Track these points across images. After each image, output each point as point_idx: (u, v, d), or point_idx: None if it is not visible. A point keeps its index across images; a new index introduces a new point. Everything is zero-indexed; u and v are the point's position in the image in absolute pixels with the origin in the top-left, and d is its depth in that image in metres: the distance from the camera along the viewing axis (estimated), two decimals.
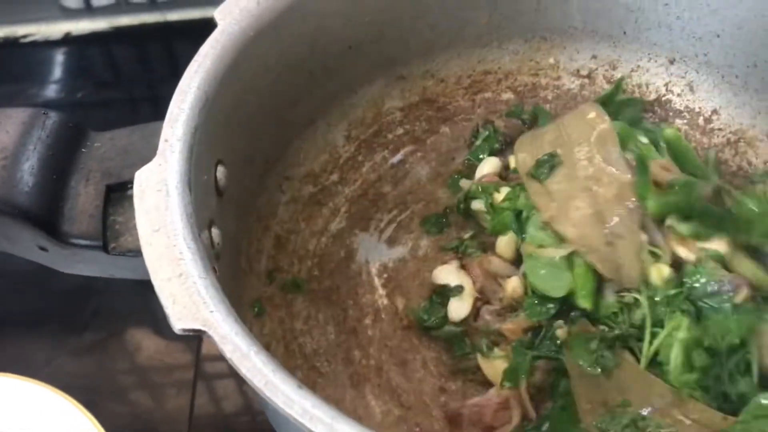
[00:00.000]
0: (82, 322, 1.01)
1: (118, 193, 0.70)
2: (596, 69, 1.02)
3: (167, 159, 0.66)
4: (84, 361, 0.98)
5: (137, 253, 0.63)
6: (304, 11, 0.82)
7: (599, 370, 0.71)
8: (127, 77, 1.36)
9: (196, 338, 0.97)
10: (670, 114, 0.99)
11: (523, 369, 0.74)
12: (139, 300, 1.04)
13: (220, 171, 0.75)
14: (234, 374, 0.94)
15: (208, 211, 0.71)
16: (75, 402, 0.79)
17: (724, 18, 0.90)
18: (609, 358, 0.72)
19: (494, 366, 0.77)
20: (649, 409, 0.68)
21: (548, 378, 0.76)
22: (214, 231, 0.71)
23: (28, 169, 0.68)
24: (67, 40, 1.35)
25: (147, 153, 0.67)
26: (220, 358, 0.95)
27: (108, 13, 1.34)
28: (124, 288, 1.05)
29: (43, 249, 0.69)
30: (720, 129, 0.97)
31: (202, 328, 0.55)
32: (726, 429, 0.67)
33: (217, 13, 0.78)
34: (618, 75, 1.01)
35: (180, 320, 0.56)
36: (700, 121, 0.98)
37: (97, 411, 0.79)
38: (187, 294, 0.57)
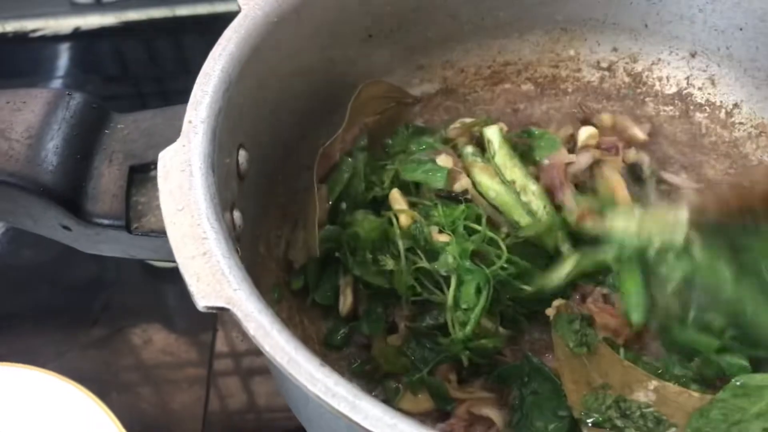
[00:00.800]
0: (92, 316, 1.02)
1: (141, 174, 0.70)
2: (617, 62, 1.02)
3: (191, 140, 0.66)
4: (94, 355, 0.98)
5: (159, 233, 0.64)
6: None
7: (584, 349, 0.73)
8: (135, 72, 1.37)
9: (207, 333, 0.98)
10: (691, 108, 0.99)
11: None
12: (150, 294, 1.05)
13: (242, 155, 0.75)
14: (240, 372, 0.95)
15: (230, 193, 0.71)
16: (88, 392, 0.79)
17: (747, 10, 0.89)
18: (592, 336, 0.74)
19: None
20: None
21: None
22: (236, 214, 0.71)
23: (52, 149, 0.68)
24: (76, 34, 1.36)
25: (170, 135, 0.67)
26: (227, 355, 0.97)
27: (117, 8, 1.35)
28: (134, 282, 1.06)
29: (66, 228, 0.69)
30: (741, 123, 0.97)
31: (226, 306, 0.55)
32: (705, 407, 0.68)
33: None
34: (639, 68, 1.01)
35: (204, 298, 0.56)
36: (722, 114, 0.98)
37: (108, 404, 0.80)
38: (211, 272, 0.57)
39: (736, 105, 0.97)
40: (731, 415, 0.67)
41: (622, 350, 0.76)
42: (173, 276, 0.76)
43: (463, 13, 0.96)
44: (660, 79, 1.00)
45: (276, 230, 0.87)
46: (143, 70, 1.37)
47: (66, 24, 1.35)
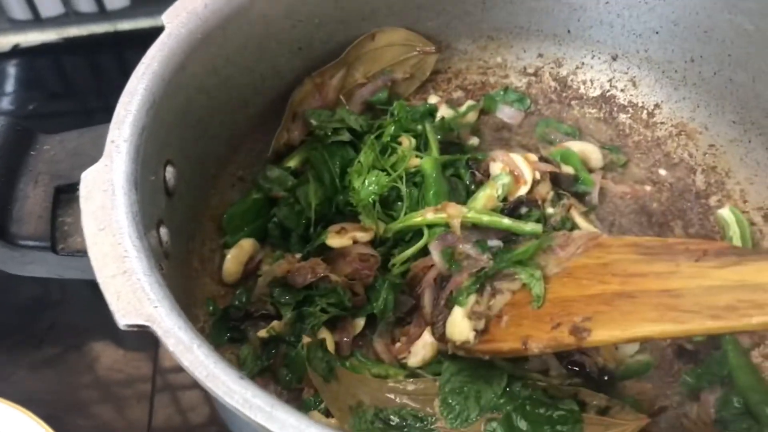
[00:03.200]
0: (38, 337, 1.01)
1: (67, 194, 0.71)
2: (542, 67, 1.05)
3: (113, 159, 0.67)
4: (40, 376, 0.97)
5: (85, 253, 0.64)
6: (251, 14, 0.84)
7: (332, 375, 0.77)
8: (79, 88, 1.35)
9: (154, 349, 0.98)
10: (615, 109, 1.02)
11: None
12: (96, 312, 1.03)
13: (170, 171, 0.76)
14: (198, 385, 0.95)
15: (156, 210, 0.72)
16: (34, 416, 0.79)
17: (661, 15, 0.93)
18: (333, 361, 0.78)
19: None
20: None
21: None
22: (163, 230, 0.72)
23: None
24: (17, 52, 1.34)
25: (96, 154, 0.68)
26: (171, 371, 0.97)
27: (57, 24, 1.33)
28: (80, 300, 1.05)
29: None
30: (662, 122, 1.00)
31: (146, 323, 0.56)
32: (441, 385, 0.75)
33: (165, 17, 0.79)
34: (564, 72, 1.04)
35: (124, 316, 0.57)
36: (644, 115, 1.01)
37: (58, 424, 0.80)
38: (132, 290, 0.58)
39: (657, 105, 1.00)
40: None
41: (347, 363, 0.80)
42: None
43: (389, 23, 0.97)
44: (584, 82, 1.04)
45: (210, 244, 0.88)
46: (87, 86, 1.36)
47: (6, 41, 1.34)
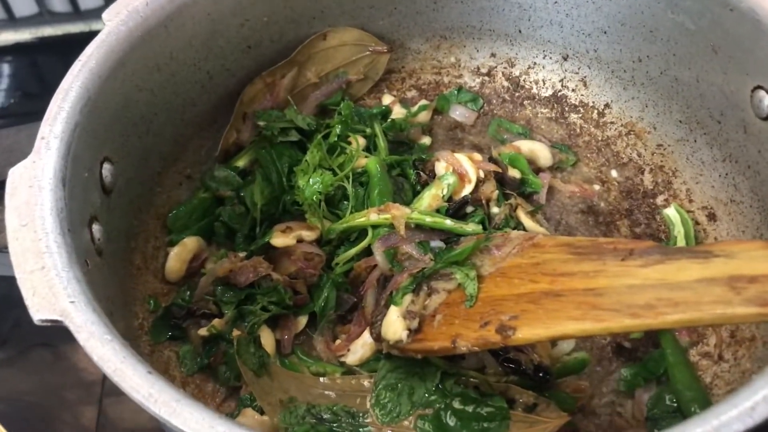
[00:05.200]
0: (1, 336, 1.01)
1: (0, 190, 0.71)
2: (496, 67, 1.05)
3: (42, 156, 0.67)
4: (4, 375, 0.97)
5: None
6: (195, 12, 0.84)
7: (264, 370, 0.77)
8: (53, 87, 1.35)
9: None
10: (566, 109, 1.02)
11: None
12: None
13: (107, 168, 0.76)
14: None
15: (89, 207, 0.72)
16: None
17: (608, 15, 0.93)
18: (265, 356, 0.78)
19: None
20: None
21: None
22: (96, 227, 0.72)
23: None
24: None
25: (31, 151, 0.68)
26: None
27: (31, 23, 1.33)
28: None
29: None
30: (612, 122, 1.01)
31: (59, 318, 0.57)
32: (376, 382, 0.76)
33: (105, 14, 0.79)
34: (516, 72, 1.05)
35: (38, 311, 0.57)
36: (594, 114, 1.01)
37: (20, 425, 0.79)
38: (48, 286, 0.58)
39: (607, 105, 1.01)
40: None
41: (287, 360, 0.81)
42: None
43: (341, 22, 0.97)
44: (536, 82, 1.04)
45: (155, 241, 0.88)
46: None
47: None
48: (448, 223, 0.85)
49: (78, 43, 1.34)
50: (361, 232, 0.87)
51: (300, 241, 0.87)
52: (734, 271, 0.59)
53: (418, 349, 0.73)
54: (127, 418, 0.93)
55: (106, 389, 0.95)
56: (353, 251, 0.86)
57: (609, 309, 0.63)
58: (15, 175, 0.66)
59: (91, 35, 1.32)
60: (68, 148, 0.69)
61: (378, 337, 0.77)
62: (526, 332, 0.66)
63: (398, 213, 0.85)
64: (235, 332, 0.79)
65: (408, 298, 0.77)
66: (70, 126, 0.70)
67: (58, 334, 0.99)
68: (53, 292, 0.58)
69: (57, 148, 0.68)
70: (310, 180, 0.88)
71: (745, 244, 0.61)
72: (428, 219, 0.85)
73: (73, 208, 0.66)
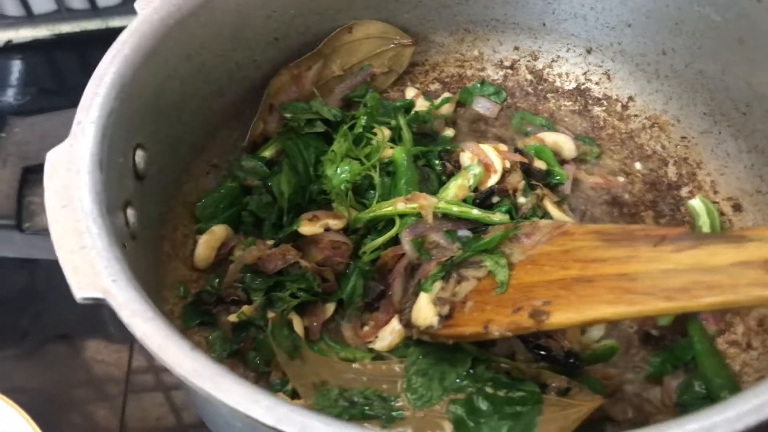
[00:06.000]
0: (21, 329, 1.01)
1: (35, 175, 0.72)
2: (519, 60, 1.06)
3: (79, 140, 0.68)
4: (23, 368, 0.98)
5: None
6: (225, 3, 0.85)
7: (297, 353, 0.77)
8: (70, 84, 1.35)
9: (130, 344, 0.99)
10: (590, 102, 1.03)
11: None
12: (81, 305, 1.04)
13: (140, 155, 0.77)
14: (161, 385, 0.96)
15: (124, 192, 0.73)
16: (16, 406, 0.80)
17: (633, 8, 0.93)
18: (298, 340, 0.79)
19: None
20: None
21: None
22: (130, 212, 0.72)
23: None
24: (9, 48, 1.35)
25: (65, 137, 0.69)
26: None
27: (49, 20, 1.34)
28: (65, 293, 1.06)
29: None
30: (636, 115, 1.01)
31: (102, 296, 0.57)
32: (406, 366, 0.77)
33: (138, 3, 0.80)
34: (540, 65, 1.05)
35: (81, 289, 0.58)
36: (618, 107, 1.02)
37: (41, 416, 0.80)
38: (89, 265, 0.59)
39: (630, 98, 1.01)
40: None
41: (315, 347, 0.82)
42: None
43: (366, 15, 0.98)
44: (560, 75, 1.04)
45: (183, 229, 0.88)
46: (79, 82, 1.36)
47: None
48: (475, 212, 0.85)
49: (95, 40, 1.36)
50: (388, 221, 0.88)
51: (327, 230, 0.87)
52: None
53: (450, 335, 0.74)
54: (148, 417, 0.93)
55: (131, 385, 0.95)
56: (381, 240, 0.86)
57: (643, 293, 0.63)
58: (53, 158, 0.67)
59: (109, 32, 1.35)
60: (104, 134, 0.69)
61: (408, 324, 0.78)
62: (559, 317, 0.67)
63: (425, 202, 0.85)
64: (270, 314, 0.79)
65: (438, 285, 0.77)
66: (105, 112, 0.71)
67: (77, 328, 1.02)
68: (94, 271, 0.59)
69: (93, 133, 0.69)
70: (338, 169, 0.88)
71: None
72: (455, 208, 0.86)
73: (109, 192, 0.67)
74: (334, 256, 0.86)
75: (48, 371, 0.98)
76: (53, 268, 0.69)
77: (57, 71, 1.40)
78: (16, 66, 1.34)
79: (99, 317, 1.06)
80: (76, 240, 0.61)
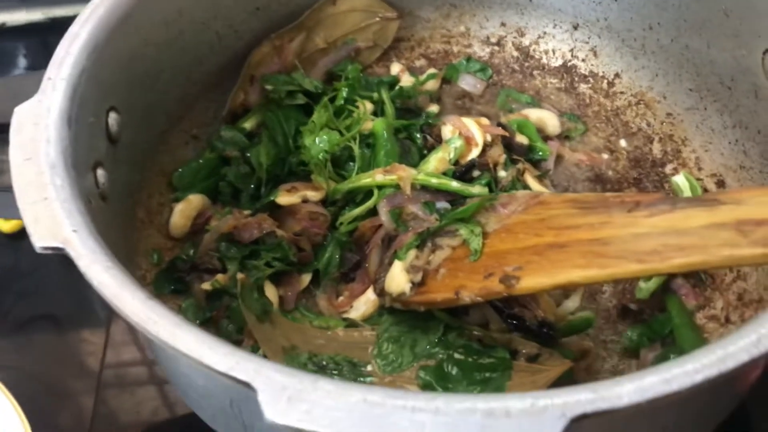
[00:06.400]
0: (4, 308, 1.01)
1: (4, 133, 0.71)
2: (505, 36, 1.05)
3: (48, 96, 0.67)
4: (5, 347, 0.98)
5: None
6: None
7: (267, 317, 0.77)
8: None
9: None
10: (576, 79, 1.02)
11: None
12: (66, 285, 1.04)
13: (113, 117, 0.76)
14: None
15: (94, 152, 0.72)
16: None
17: None
18: (268, 304, 0.78)
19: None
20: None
21: None
22: (100, 172, 0.72)
23: None
24: (3, 31, 1.35)
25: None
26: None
27: (43, 4, 1.34)
28: (51, 273, 1.05)
29: None
30: (622, 92, 1.00)
31: (61, 245, 0.56)
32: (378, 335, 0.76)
33: None
34: (526, 42, 1.04)
35: (41, 239, 0.57)
36: (604, 84, 1.01)
37: (23, 394, 0.81)
38: (51, 215, 0.58)
39: (617, 75, 1.00)
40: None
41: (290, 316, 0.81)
42: None
43: None
44: (546, 52, 1.03)
45: (159, 197, 0.87)
46: None
47: None
48: (454, 184, 0.85)
49: None
50: (367, 193, 0.87)
51: (305, 201, 0.87)
52: (742, 215, 0.58)
53: (422, 301, 0.73)
54: (128, 393, 0.92)
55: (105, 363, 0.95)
56: (358, 210, 0.85)
57: (615, 257, 0.62)
58: (21, 113, 0.66)
59: None
60: (74, 91, 0.69)
61: (381, 292, 0.77)
62: (529, 281, 0.66)
63: (404, 174, 0.84)
64: (240, 276, 0.78)
65: (412, 253, 0.76)
66: (77, 70, 0.70)
67: (63, 308, 1.01)
68: (56, 221, 0.58)
69: (63, 90, 0.68)
70: (317, 139, 0.87)
71: (753, 191, 0.60)
72: (434, 180, 0.85)
73: (78, 149, 0.66)
74: (311, 227, 0.85)
75: (32, 350, 0.97)
76: None
77: (51, 55, 1.39)
78: (10, 49, 1.34)
79: (85, 296, 1.05)
80: (38, 192, 0.60)
